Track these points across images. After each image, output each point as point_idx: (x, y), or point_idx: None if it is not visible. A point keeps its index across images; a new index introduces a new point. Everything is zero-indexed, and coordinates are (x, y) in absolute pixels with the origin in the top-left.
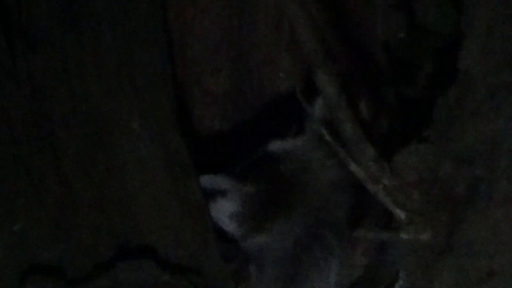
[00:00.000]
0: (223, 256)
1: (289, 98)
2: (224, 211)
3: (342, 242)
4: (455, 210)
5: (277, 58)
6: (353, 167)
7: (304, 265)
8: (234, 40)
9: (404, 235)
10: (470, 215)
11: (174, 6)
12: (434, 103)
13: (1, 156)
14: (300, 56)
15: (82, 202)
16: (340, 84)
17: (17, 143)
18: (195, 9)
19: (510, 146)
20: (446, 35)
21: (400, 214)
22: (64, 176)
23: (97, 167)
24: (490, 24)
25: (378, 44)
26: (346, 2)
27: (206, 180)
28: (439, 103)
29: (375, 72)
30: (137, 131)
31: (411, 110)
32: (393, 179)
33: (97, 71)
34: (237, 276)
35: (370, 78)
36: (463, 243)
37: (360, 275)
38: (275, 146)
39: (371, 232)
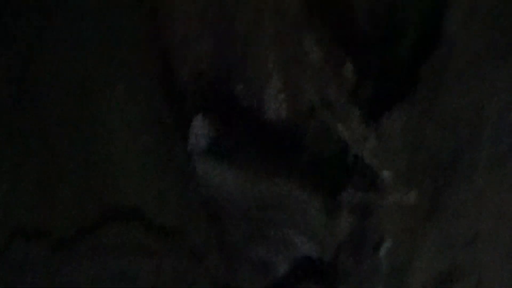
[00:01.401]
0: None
1: (275, 62)
2: None
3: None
4: (440, 173)
5: (262, 22)
6: (339, 129)
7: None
8: (218, 5)
9: (389, 197)
10: (455, 179)
11: None
12: (419, 67)
13: None
14: (285, 20)
15: (66, 165)
16: (325, 47)
17: (0, 108)
18: None
19: (494, 111)
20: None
21: (386, 175)
22: (48, 139)
23: (81, 130)
24: None
25: (363, 7)
26: None
27: None
28: (423, 68)
29: (360, 35)
30: (120, 96)
31: (396, 74)
32: (378, 141)
33: (81, 36)
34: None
35: (355, 41)
36: (448, 206)
37: (345, 238)
38: None
39: (356, 195)
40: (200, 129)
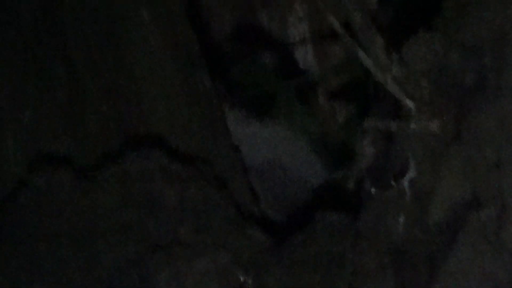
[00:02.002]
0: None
1: None
2: None
3: None
4: (463, 99)
5: None
6: (362, 56)
7: None
8: None
9: (412, 125)
10: (478, 105)
11: None
12: None
13: (10, 44)
14: None
15: (90, 92)
16: None
17: (25, 32)
18: None
19: None
20: None
21: (409, 103)
22: (73, 66)
23: (105, 57)
24: None
25: None
26: None
27: None
28: None
29: None
30: (146, 21)
31: (418, 1)
32: (401, 68)
33: None
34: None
35: None
36: (471, 133)
37: (369, 165)
38: None
39: (380, 122)
40: None
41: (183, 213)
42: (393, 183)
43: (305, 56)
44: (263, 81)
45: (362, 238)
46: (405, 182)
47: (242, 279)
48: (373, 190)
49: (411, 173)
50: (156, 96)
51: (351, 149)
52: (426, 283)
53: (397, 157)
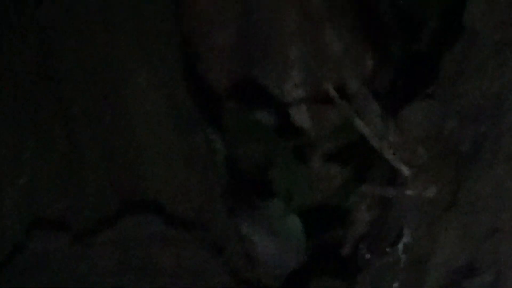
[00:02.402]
0: (229, 212)
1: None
2: None
3: None
4: (459, 166)
5: (284, 15)
6: (357, 123)
7: None
8: None
9: (409, 191)
10: (475, 172)
11: None
12: (439, 59)
13: (7, 109)
14: (307, 12)
15: (88, 156)
16: (346, 39)
17: (23, 97)
18: None
19: None
20: None
21: (405, 170)
22: (71, 130)
23: (103, 121)
24: None
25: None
26: None
27: None
28: (444, 60)
29: (381, 27)
30: (143, 85)
31: (416, 66)
32: (398, 135)
33: (104, 25)
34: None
35: (375, 34)
36: (467, 199)
37: (364, 232)
38: None
39: (376, 188)
40: None
41: (180, 278)
42: (388, 249)
43: (301, 118)
44: (260, 138)
45: None
46: (400, 249)
47: None
48: (367, 256)
49: (406, 240)
50: (154, 160)
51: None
52: None
53: (393, 223)
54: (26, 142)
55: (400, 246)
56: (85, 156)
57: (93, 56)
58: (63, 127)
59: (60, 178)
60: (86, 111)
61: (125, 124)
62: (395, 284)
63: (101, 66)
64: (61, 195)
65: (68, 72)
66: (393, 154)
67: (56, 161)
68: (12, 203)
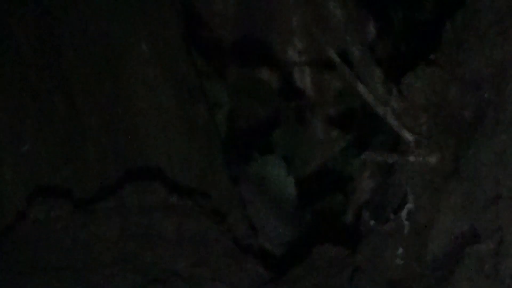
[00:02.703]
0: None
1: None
2: None
3: None
4: (462, 133)
5: None
6: (361, 88)
7: None
8: None
9: (411, 158)
10: (477, 139)
11: None
12: (442, 26)
13: (9, 78)
14: None
15: (89, 125)
16: (349, 6)
17: (25, 65)
18: None
19: None
20: None
21: (408, 136)
22: (72, 99)
23: (104, 90)
24: None
25: None
26: None
27: None
28: (446, 27)
29: None
30: (145, 54)
31: (419, 34)
32: (401, 101)
33: None
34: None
35: (378, 2)
36: (470, 167)
37: (368, 198)
38: None
39: (378, 155)
40: None
41: (181, 246)
42: (391, 216)
43: (303, 83)
44: (263, 97)
45: (361, 272)
46: (404, 215)
47: None
48: (372, 223)
49: (409, 206)
50: (155, 129)
51: (345, 179)
52: None
53: (396, 190)
54: (28, 110)
55: (404, 212)
56: (86, 124)
57: (94, 25)
58: (64, 96)
59: (61, 146)
60: (87, 80)
61: (126, 93)
62: (399, 251)
63: (102, 34)
64: (62, 163)
65: (69, 40)
66: (396, 120)
67: (58, 130)
68: (14, 171)
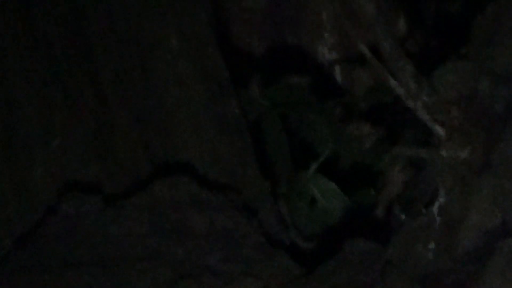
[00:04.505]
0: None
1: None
2: None
3: None
4: (493, 127)
5: None
6: (392, 84)
7: None
8: None
9: (443, 152)
10: (508, 133)
11: None
12: (472, 21)
13: (39, 74)
14: None
15: (119, 120)
16: (379, 1)
17: (55, 61)
18: None
19: None
20: None
21: (439, 130)
22: (102, 94)
23: (134, 85)
24: None
25: None
26: None
27: None
28: (477, 21)
29: None
30: (175, 49)
31: (449, 28)
32: (432, 95)
33: None
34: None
35: None
36: (501, 161)
37: (399, 192)
38: None
39: (410, 149)
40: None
41: (212, 241)
42: (423, 210)
43: (334, 80)
44: (299, 102)
45: (392, 266)
46: (435, 210)
47: None
48: (403, 217)
49: (440, 201)
50: (186, 124)
51: (376, 173)
52: None
53: (427, 184)
54: (58, 106)
55: (435, 207)
56: (117, 119)
57: (124, 21)
58: (95, 91)
59: (92, 141)
60: (118, 75)
61: (156, 89)
62: (431, 245)
63: (132, 31)
64: (93, 158)
65: (100, 36)
66: (427, 114)
67: (88, 125)
68: (45, 167)
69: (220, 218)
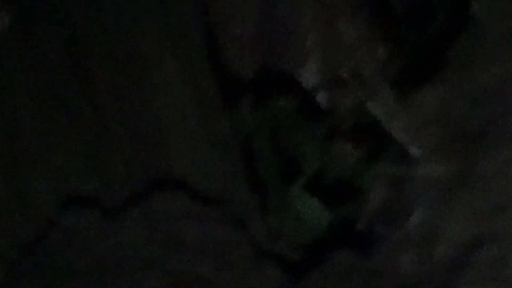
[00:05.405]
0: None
1: (313, 44)
2: None
3: None
4: (468, 147)
5: (301, 4)
6: (371, 105)
7: None
8: None
9: (420, 170)
10: (482, 152)
11: None
12: (449, 47)
13: (40, 93)
14: (323, 3)
15: (117, 138)
16: (360, 28)
17: (55, 82)
18: None
19: None
20: None
21: (416, 150)
22: (100, 113)
23: (131, 104)
24: None
25: None
26: None
27: None
28: (453, 47)
29: (393, 16)
30: (170, 72)
31: (426, 53)
32: (409, 117)
33: (133, 12)
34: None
35: (387, 22)
36: (475, 178)
37: (380, 207)
38: None
39: (390, 168)
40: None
41: (205, 251)
42: (402, 224)
43: (319, 102)
44: (286, 123)
45: (374, 276)
46: (414, 224)
47: None
48: (383, 230)
49: (419, 215)
50: (180, 141)
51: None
52: None
53: (406, 200)
54: (58, 123)
55: (414, 221)
56: (114, 137)
57: (122, 43)
58: (93, 110)
59: (90, 157)
60: (115, 94)
61: (152, 108)
62: (410, 257)
63: (129, 52)
64: (92, 173)
65: (97, 57)
66: (405, 135)
67: (87, 142)
68: (46, 182)
69: (212, 230)
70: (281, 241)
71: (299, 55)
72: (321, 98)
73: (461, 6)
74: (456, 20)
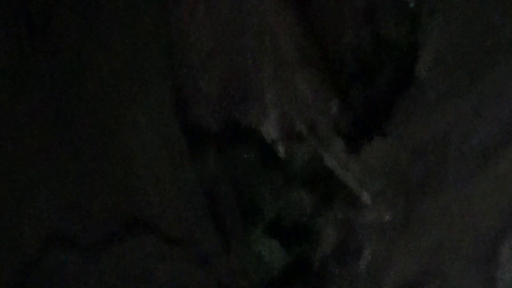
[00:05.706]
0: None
1: (272, 98)
2: None
3: None
4: (411, 193)
5: (261, 62)
6: (325, 156)
7: None
8: (225, 47)
9: (368, 214)
10: (424, 198)
11: (174, 19)
12: (394, 104)
13: (27, 145)
14: (281, 61)
15: (94, 184)
16: (315, 84)
17: (40, 134)
18: (192, 20)
19: (458, 141)
20: (404, 46)
21: (365, 196)
22: (80, 162)
23: (109, 155)
24: (443, 37)
25: (347, 51)
26: (320, 14)
27: None
28: (397, 104)
29: (344, 74)
30: (142, 125)
31: (374, 110)
32: (359, 167)
33: (110, 74)
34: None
35: (340, 80)
36: (418, 221)
37: (333, 248)
38: None
39: (341, 212)
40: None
41: None
42: (353, 263)
43: (278, 153)
44: (247, 172)
45: None
46: (362, 263)
47: None
48: (336, 269)
49: (366, 255)
50: (150, 187)
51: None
52: None
53: (356, 240)
54: (43, 172)
55: (362, 261)
56: (91, 181)
57: (100, 102)
58: (74, 160)
59: (71, 201)
60: (94, 145)
61: (126, 157)
62: None
63: (106, 109)
64: (72, 214)
65: (79, 114)
66: (356, 183)
67: (69, 187)
68: (31, 223)
69: (179, 269)
70: (242, 279)
71: (259, 109)
72: (280, 149)
73: (406, 65)
74: (401, 78)
